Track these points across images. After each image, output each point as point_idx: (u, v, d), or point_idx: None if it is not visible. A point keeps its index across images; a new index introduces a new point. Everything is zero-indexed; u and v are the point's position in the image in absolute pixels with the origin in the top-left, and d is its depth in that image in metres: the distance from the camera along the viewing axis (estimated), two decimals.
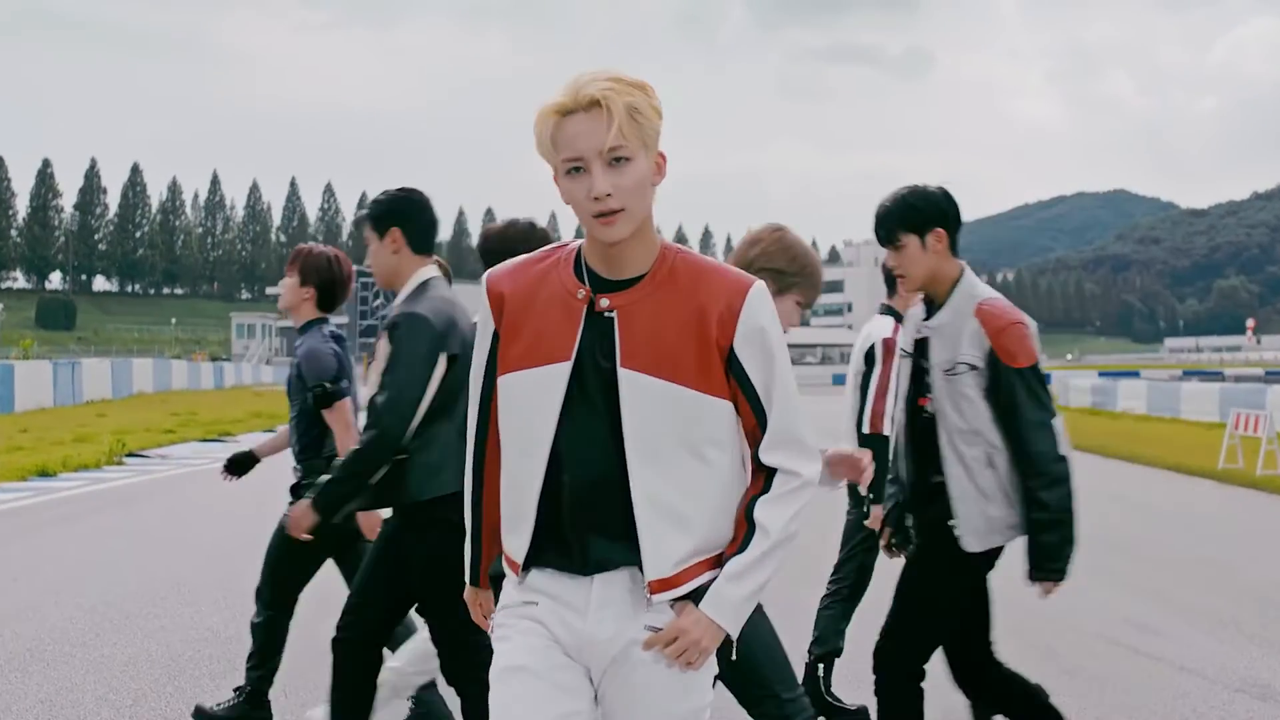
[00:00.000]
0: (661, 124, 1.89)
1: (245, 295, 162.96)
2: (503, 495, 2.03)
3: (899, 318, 4.53)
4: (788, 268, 3.04)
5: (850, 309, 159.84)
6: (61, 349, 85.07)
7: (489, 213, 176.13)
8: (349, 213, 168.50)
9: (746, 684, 3.01)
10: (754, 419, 1.94)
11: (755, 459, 1.97)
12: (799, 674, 3.42)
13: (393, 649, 3.98)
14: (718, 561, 1.95)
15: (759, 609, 2.94)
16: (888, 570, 4.04)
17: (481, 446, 2.09)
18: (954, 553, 3.30)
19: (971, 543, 3.28)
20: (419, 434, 3.39)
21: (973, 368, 3.24)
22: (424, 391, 3.37)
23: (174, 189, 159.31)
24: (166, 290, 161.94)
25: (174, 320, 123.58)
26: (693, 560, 1.92)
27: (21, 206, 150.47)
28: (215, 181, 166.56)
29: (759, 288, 1.94)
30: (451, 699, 3.85)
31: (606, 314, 1.91)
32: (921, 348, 3.39)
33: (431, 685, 4.08)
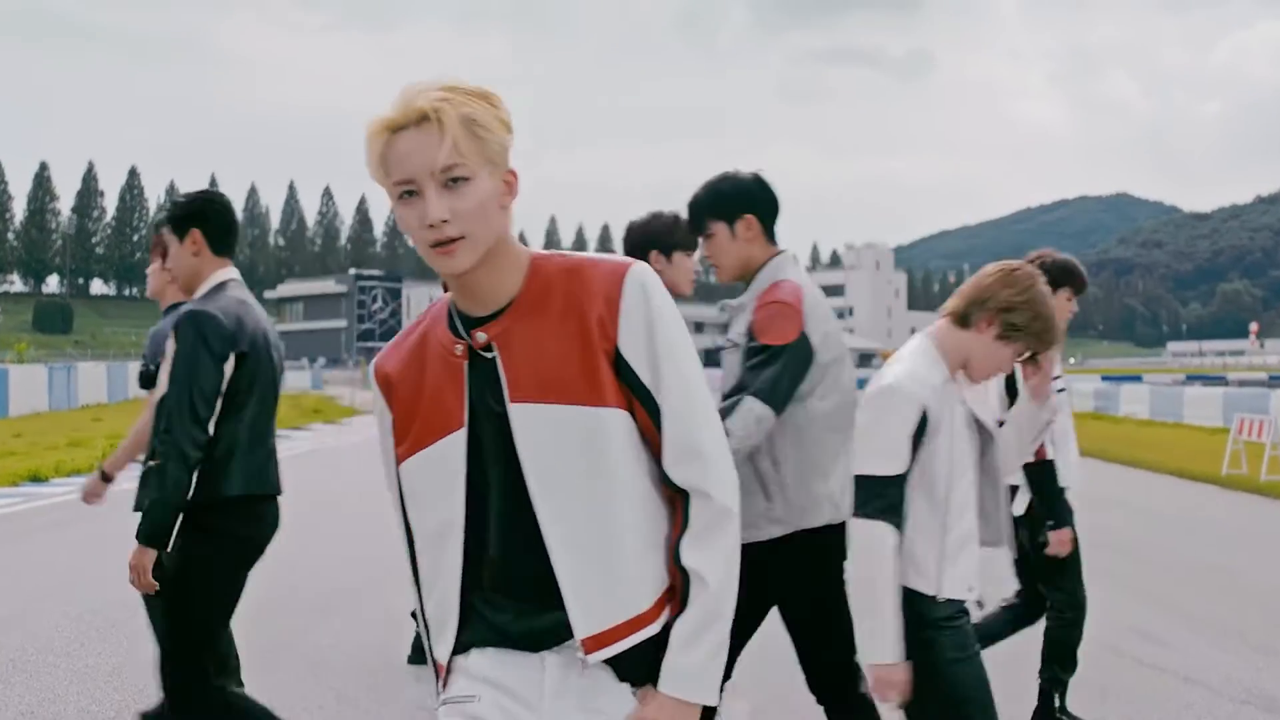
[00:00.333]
0: (511, 138, 1.66)
1: None
2: (424, 600, 1.80)
3: None
4: (1025, 325, 2.75)
5: (851, 313, 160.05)
6: (59, 352, 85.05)
7: None
8: (348, 216, 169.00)
9: None
10: (653, 425, 1.69)
11: (665, 479, 1.72)
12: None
13: None
14: (661, 605, 1.70)
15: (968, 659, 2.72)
16: None
17: (413, 549, 1.84)
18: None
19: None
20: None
21: (735, 345, 3.11)
22: (215, 389, 3.32)
23: (172, 192, 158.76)
24: None
25: None
26: (628, 608, 1.68)
27: (19, 210, 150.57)
28: (213, 185, 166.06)
29: (637, 272, 1.69)
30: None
31: (486, 355, 1.69)
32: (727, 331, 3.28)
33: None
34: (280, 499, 3.61)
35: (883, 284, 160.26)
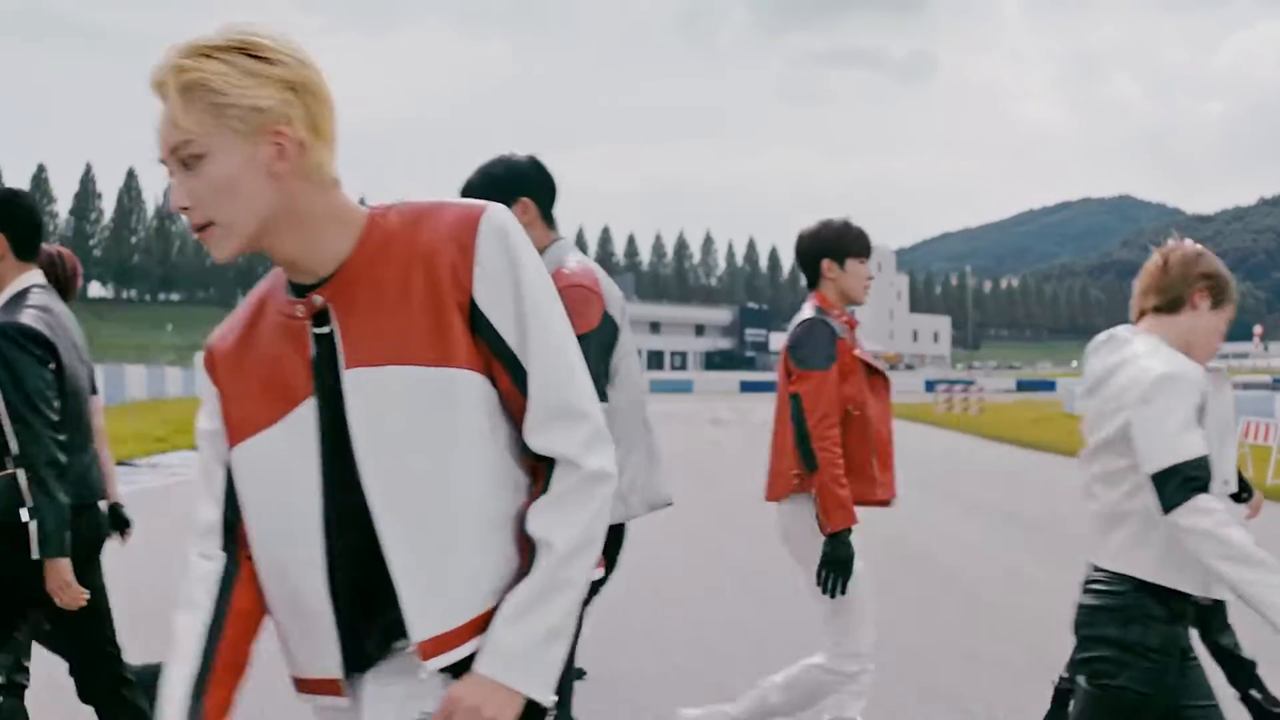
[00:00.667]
0: (282, 91, 1.42)
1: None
2: (273, 609, 1.57)
3: None
4: (1226, 284, 2.78)
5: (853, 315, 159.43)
6: None
7: None
8: None
9: None
10: (516, 390, 1.48)
11: (527, 447, 1.50)
12: None
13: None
14: None
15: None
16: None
17: (233, 557, 1.57)
18: None
19: None
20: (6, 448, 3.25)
21: None
22: (49, 387, 3.25)
23: (170, 194, 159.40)
24: (162, 296, 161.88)
25: (170, 326, 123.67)
26: (474, 605, 1.45)
27: None
28: None
29: (495, 214, 1.48)
30: None
31: (322, 327, 1.49)
32: None
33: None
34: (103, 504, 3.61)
35: (884, 286, 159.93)
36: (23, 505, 3.24)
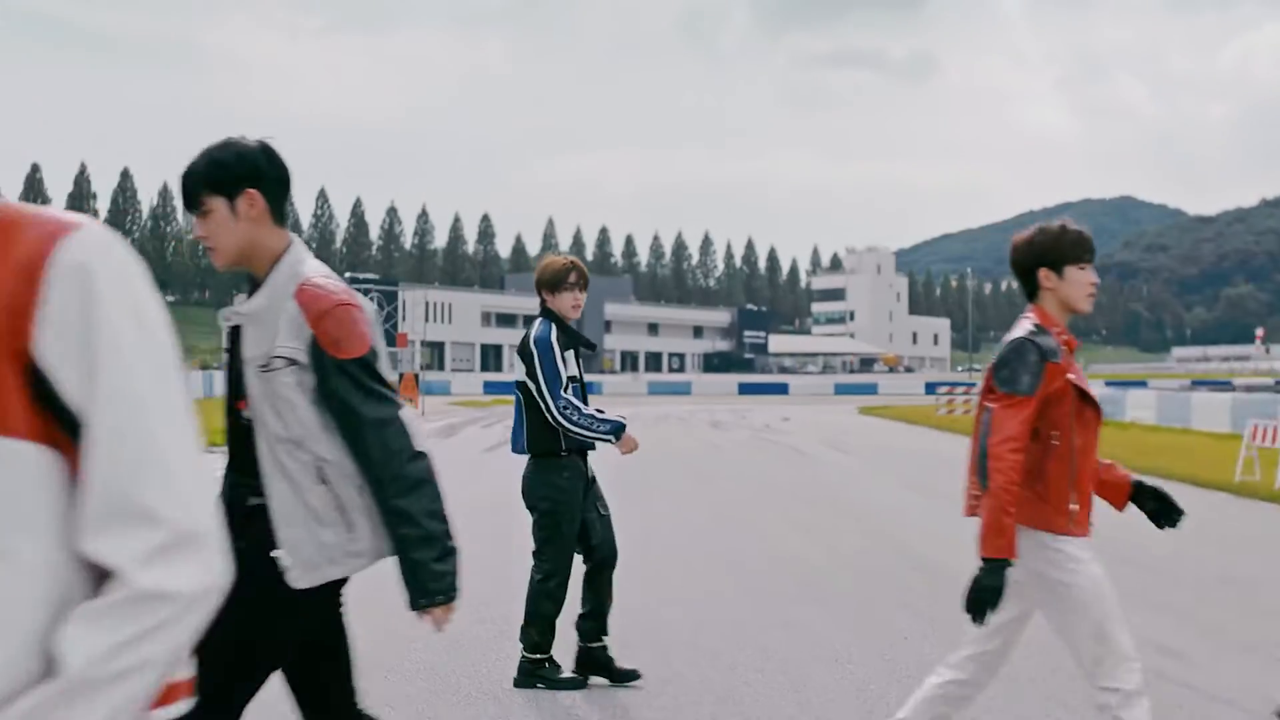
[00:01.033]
0: None
1: None
2: None
3: None
4: None
5: (852, 317, 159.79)
6: None
7: (485, 219, 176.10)
8: (343, 219, 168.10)
9: None
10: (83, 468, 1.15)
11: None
12: None
13: None
14: None
15: None
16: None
17: None
18: (280, 591, 2.66)
19: (299, 577, 2.66)
20: None
21: (292, 362, 2.66)
22: None
23: (165, 195, 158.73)
24: None
25: None
26: None
27: None
28: None
29: (80, 241, 1.16)
30: None
31: None
32: (236, 338, 2.78)
33: None
34: None
35: (884, 288, 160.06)
36: None
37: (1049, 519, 3.46)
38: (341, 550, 2.69)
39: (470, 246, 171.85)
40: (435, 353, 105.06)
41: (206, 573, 1.15)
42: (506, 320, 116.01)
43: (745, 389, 77.01)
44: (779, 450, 21.82)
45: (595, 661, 5.29)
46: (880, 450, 22.33)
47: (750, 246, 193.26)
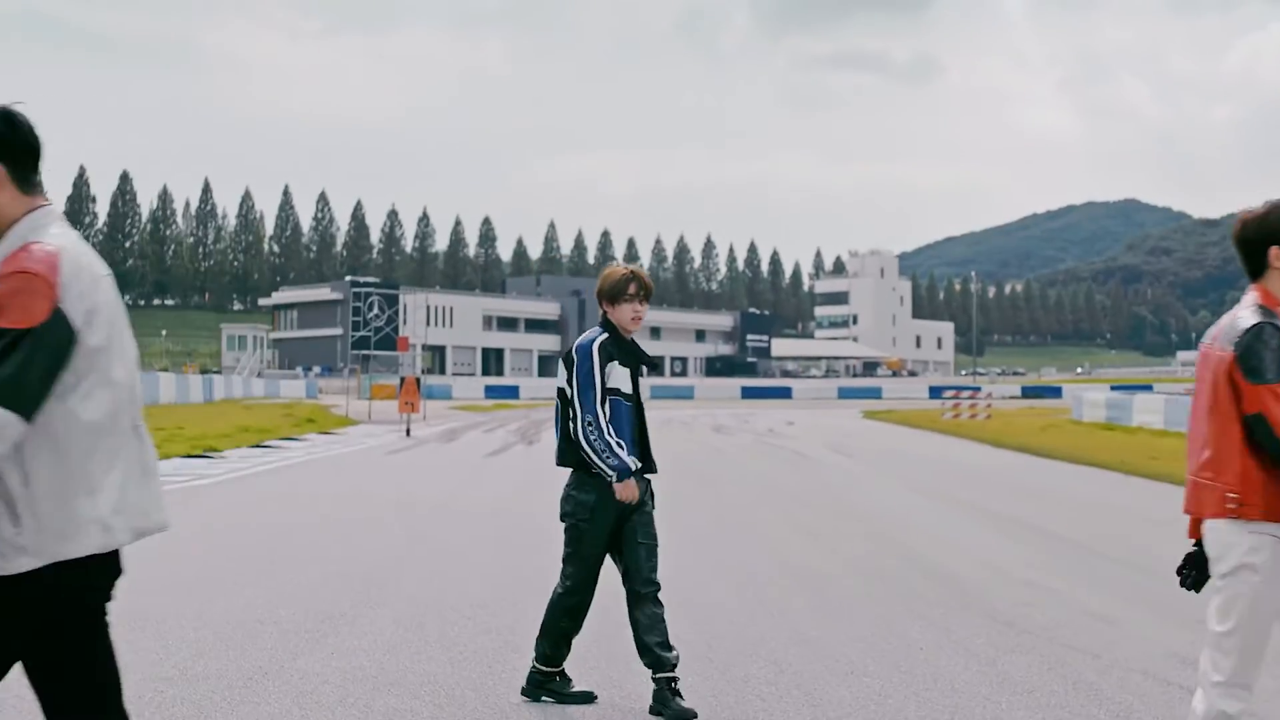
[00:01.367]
0: None
1: (237, 306, 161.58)
2: None
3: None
4: None
5: (856, 320, 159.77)
6: None
7: (486, 221, 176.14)
8: (343, 221, 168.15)
9: None
10: None
11: None
12: None
13: None
14: None
15: None
16: None
17: None
18: None
19: None
20: None
21: None
22: None
23: (164, 198, 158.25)
24: (157, 301, 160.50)
25: (164, 332, 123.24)
26: None
27: None
28: (207, 190, 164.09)
29: None
30: None
31: None
32: None
33: None
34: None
35: (887, 291, 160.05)
36: None
37: None
38: (10, 545, 2.49)
39: (471, 250, 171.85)
40: (436, 357, 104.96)
41: None
42: (508, 324, 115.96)
43: (748, 393, 76.90)
44: (783, 454, 21.69)
45: (654, 698, 4.95)
46: (885, 454, 22.20)
47: (753, 249, 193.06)
